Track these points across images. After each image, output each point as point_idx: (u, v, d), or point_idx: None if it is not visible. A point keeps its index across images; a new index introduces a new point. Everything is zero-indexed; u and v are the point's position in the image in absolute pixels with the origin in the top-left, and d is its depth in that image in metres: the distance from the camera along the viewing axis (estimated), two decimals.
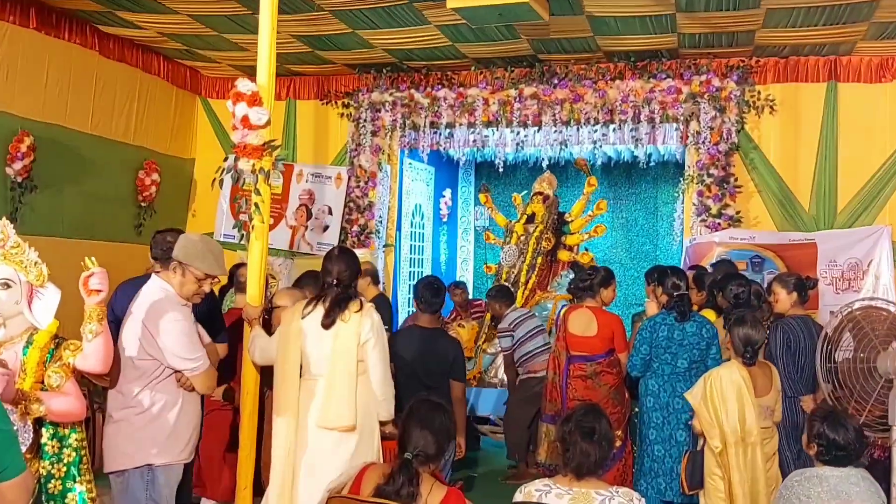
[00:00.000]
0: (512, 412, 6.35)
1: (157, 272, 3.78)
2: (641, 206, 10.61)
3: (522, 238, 7.93)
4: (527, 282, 7.78)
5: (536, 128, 7.90)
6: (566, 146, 8.04)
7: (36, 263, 3.16)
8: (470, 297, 8.39)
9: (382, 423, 3.78)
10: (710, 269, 5.82)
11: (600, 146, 8.10)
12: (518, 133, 8.01)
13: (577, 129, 7.82)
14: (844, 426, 3.15)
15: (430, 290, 4.83)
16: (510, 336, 6.26)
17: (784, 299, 4.90)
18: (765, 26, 6.56)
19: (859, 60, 7.25)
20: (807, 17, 6.29)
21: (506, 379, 6.67)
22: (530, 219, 8.09)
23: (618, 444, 5.14)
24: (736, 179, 7.35)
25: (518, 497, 2.88)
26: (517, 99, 7.85)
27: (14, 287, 3.10)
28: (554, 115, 7.73)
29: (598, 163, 8.66)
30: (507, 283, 7.63)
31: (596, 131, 7.76)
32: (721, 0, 6.04)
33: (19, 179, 6.48)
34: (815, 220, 7.23)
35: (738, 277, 5.21)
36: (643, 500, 2.86)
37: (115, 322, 3.79)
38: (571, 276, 7.11)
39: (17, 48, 6.48)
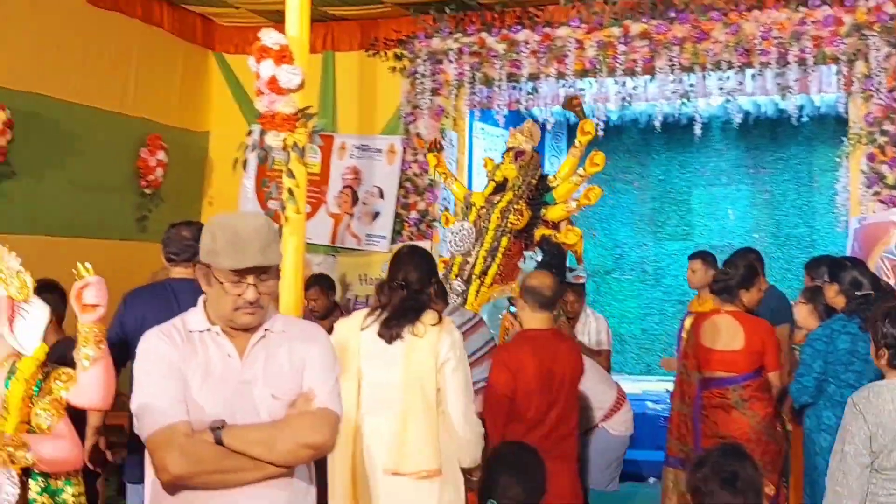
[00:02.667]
0: None
1: (175, 278, 3.78)
2: (792, 175, 10.47)
3: (484, 212, 7.40)
4: (483, 274, 7.19)
5: (648, 76, 7.87)
6: (689, 99, 7.97)
7: (18, 273, 3.19)
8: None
9: (467, 472, 3.80)
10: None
11: (734, 98, 7.99)
12: (623, 84, 7.98)
13: (703, 77, 7.78)
14: None
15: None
16: None
17: None
18: None
19: None
20: None
21: None
22: (500, 187, 7.63)
23: (770, 491, 5.01)
24: None
25: None
26: (622, 39, 7.81)
27: None
28: (671, 59, 7.69)
29: (735, 121, 8.48)
30: (459, 278, 7.04)
31: (728, 79, 7.70)
32: None
33: None
34: None
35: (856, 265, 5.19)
36: None
37: (121, 343, 3.79)
38: (539, 258, 6.71)
39: None
